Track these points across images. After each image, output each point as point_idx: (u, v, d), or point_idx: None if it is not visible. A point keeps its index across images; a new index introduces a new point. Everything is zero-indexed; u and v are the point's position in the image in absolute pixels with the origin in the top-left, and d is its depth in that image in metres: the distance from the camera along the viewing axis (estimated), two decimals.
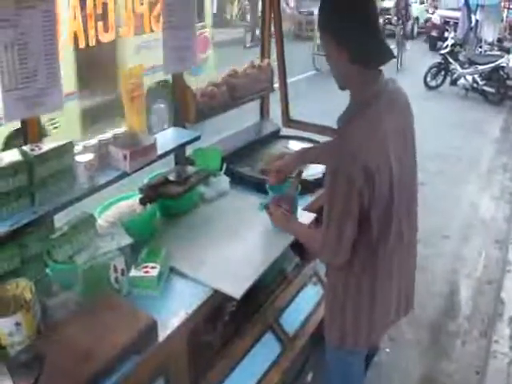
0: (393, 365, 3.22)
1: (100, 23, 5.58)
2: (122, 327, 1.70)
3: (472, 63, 11.22)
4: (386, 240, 1.91)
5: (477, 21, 14.26)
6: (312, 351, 3.06)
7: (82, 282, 1.90)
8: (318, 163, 2.58)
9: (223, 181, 2.77)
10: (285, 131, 3.71)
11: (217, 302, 2.07)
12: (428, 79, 11.51)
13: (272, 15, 3.54)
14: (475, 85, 10.93)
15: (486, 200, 6.23)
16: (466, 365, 3.48)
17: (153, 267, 2.00)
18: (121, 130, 2.47)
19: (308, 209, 2.62)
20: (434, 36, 15.48)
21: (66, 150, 2.06)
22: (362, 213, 1.79)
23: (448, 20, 15.27)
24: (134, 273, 1.98)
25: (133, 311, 1.78)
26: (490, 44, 13.62)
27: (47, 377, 1.52)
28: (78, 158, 2.14)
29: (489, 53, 12.59)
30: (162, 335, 1.78)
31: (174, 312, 1.90)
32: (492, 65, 10.76)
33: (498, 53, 11.99)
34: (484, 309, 4.13)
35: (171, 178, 2.51)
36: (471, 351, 3.62)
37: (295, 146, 3.40)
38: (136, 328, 1.69)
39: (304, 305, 2.62)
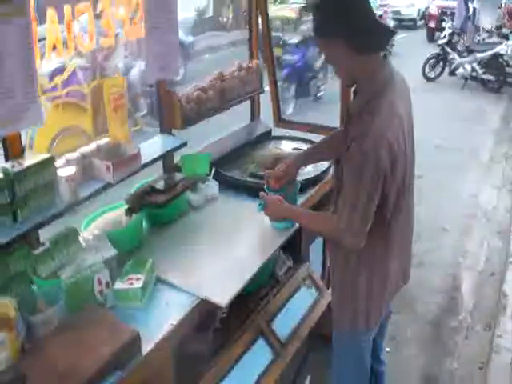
0: (394, 364, 3.18)
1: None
2: (104, 341, 1.67)
3: (470, 52, 11.14)
4: (396, 216, 2.02)
5: (474, 9, 14.11)
6: (309, 353, 3.05)
7: (67, 296, 1.89)
8: (325, 160, 2.76)
9: (212, 186, 2.74)
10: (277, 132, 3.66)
11: (205, 310, 2.04)
12: (426, 70, 11.42)
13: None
14: (474, 73, 10.84)
15: (487, 190, 6.17)
16: (469, 360, 3.45)
17: (137, 279, 1.98)
18: (104, 140, 2.44)
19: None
20: (431, 27, 15.29)
21: (47, 164, 2.05)
22: (381, 194, 1.88)
23: (445, 10, 15.08)
24: (118, 285, 1.97)
25: (116, 324, 1.76)
26: (488, 31, 13.41)
27: None
28: (60, 172, 2.13)
29: (487, 40, 12.47)
30: (146, 348, 1.75)
31: (158, 324, 1.88)
32: (491, 52, 10.69)
33: (497, 40, 11.87)
34: (487, 302, 4.09)
35: (157, 186, 2.49)
36: (474, 346, 3.59)
37: (287, 146, 3.37)
38: (118, 342, 1.67)
39: (297, 308, 2.59)
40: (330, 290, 2.82)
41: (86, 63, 6.00)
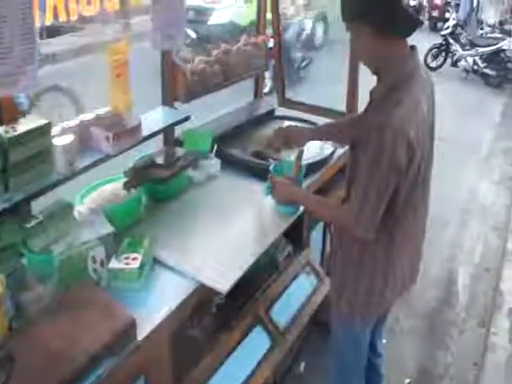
0: (389, 355, 3.11)
1: None
2: (98, 326, 1.58)
3: (473, 45, 11.04)
4: (406, 212, 1.94)
5: (478, 2, 14.02)
6: (305, 340, 2.97)
7: (59, 273, 1.78)
8: (334, 141, 2.72)
9: (213, 164, 2.63)
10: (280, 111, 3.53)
11: (203, 295, 1.95)
12: (428, 60, 11.32)
13: None
14: (476, 67, 10.75)
15: (485, 185, 6.09)
16: (464, 356, 3.40)
17: (134, 258, 1.87)
18: (104, 109, 2.32)
19: None
20: (434, 16, 15.23)
21: (43, 131, 1.93)
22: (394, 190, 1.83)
23: (449, 1, 15.01)
24: (113, 264, 1.86)
25: (110, 307, 1.65)
26: (491, 26, 13.34)
27: (18, 378, 1.42)
28: (57, 141, 2.01)
29: (490, 35, 12.33)
30: (142, 333, 1.65)
31: (155, 307, 1.77)
32: (493, 47, 10.60)
33: (500, 35, 11.73)
34: (482, 298, 4.04)
35: (158, 160, 2.38)
36: (469, 342, 3.54)
37: None
38: (112, 328, 1.57)
39: (297, 296, 2.50)
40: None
41: None
